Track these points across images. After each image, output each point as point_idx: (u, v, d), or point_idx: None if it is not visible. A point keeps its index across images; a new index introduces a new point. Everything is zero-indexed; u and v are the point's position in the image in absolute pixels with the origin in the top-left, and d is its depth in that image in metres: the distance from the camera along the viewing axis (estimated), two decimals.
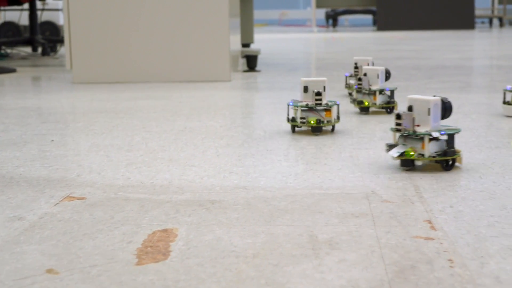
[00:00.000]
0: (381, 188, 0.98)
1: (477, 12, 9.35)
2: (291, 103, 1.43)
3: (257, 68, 3.14)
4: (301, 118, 1.41)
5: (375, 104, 1.66)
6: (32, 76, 3.07)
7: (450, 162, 1.08)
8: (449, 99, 1.14)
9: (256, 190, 0.98)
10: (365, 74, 1.67)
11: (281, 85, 2.47)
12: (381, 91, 1.67)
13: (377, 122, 1.57)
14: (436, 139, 1.07)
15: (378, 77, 1.66)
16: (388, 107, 1.69)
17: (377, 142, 1.34)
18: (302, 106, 1.41)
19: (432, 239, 0.76)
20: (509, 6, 9.48)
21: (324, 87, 1.43)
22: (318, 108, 1.41)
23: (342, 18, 10.46)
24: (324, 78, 1.46)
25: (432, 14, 7.95)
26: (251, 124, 1.57)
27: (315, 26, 8.65)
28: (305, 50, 4.70)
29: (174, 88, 2.36)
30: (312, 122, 1.40)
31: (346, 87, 2.03)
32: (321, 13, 9.76)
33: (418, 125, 1.09)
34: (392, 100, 1.68)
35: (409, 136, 1.09)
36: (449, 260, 0.69)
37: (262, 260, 0.70)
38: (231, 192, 0.98)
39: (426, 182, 1.02)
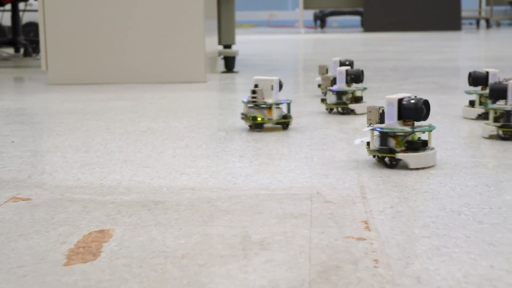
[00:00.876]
0: (327, 189, 0.99)
1: (465, 13, 9.38)
2: (244, 100, 1.46)
3: (236, 69, 3.15)
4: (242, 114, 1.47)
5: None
6: (11, 77, 3.06)
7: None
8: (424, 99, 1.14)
9: (203, 191, 0.99)
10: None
11: None
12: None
13: (339, 123, 1.58)
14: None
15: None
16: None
17: (336, 143, 1.34)
18: (247, 103, 1.46)
19: (364, 239, 0.76)
20: (496, 8, 9.51)
21: (272, 86, 1.45)
22: (262, 106, 1.45)
23: (331, 20, 10.48)
24: (275, 78, 1.47)
25: (419, 15, 7.97)
26: (215, 125, 1.57)
27: (302, 28, 8.65)
28: (288, 52, 4.70)
29: (148, 89, 2.36)
30: (251, 118, 1.44)
31: (319, 86, 2.05)
32: (310, 14, 9.77)
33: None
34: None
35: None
36: (375, 260, 0.70)
37: (189, 261, 0.70)
38: (177, 193, 0.98)
39: (374, 182, 1.02)
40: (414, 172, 1.09)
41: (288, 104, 1.50)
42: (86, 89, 2.40)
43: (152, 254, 0.73)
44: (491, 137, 1.35)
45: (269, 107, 1.46)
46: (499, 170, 1.09)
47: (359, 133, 1.44)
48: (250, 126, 1.47)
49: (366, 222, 0.83)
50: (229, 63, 3.02)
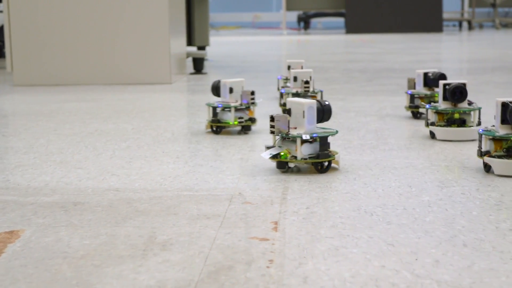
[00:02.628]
0: (251, 190, 0.99)
1: (448, 15, 9.41)
2: (219, 105, 1.43)
3: (207, 70, 3.15)
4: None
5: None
6: None
7: (326, 164, 1.09)
8: (328, 102, 1.14)
9: (126, 192, 0.99)
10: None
11: None
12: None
13: None
14: (308, 141, 1.08)
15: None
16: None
17: None
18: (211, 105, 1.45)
19: (267, 240, 0.77)
20: (478, 10, 9.54)
21: (243, 87, 1.45)
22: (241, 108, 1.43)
23: (315, 21, 10.49)
24: (241, 79, 1.47)
25: (401, 17, 7.99)
26: (164, 126, 1.57)
27: (285, 29, 8.66)
28: (264, 53, 4.71)
29: (111, 90, 2.36)
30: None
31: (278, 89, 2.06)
32: (294, 16, 9.78)
33: (294, 128, 1.10)
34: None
35: (285, 138, 1.10)
36: (270, 260, 0.70)
37: (86, 261, 0.71)
38: (100, 194, 0.98)
39: (299, 183, 1.03)
40: (343, 173, 1.10)
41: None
42: (49, 90, 2.40)
43: (52, 255, 0.73)
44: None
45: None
46: (427, 171, 1.10)
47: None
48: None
49: (276, 223, 0.83)
50: (198, 64, 3.02)
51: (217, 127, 1.45)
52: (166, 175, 1.09)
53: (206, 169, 1.14)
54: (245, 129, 1.46)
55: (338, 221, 0.84)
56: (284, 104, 1.74)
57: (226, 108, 1.43)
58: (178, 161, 1.20)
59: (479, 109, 1.36)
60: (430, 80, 1.60)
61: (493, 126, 1.10)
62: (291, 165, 1.11)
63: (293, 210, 0.89)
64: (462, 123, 1.35)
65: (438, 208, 0.89)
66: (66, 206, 0.92)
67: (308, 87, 1.70)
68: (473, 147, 1.25)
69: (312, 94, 1.70)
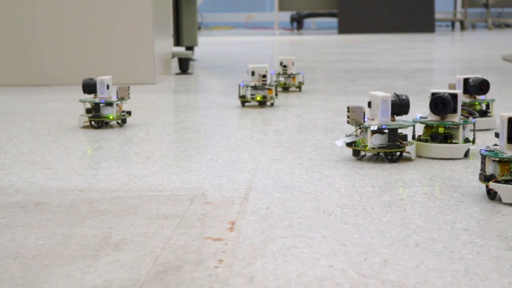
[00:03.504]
0: (214, 190, 1.00)
1: (441, 15, 9.43)
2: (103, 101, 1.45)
3: (193, 71, 3.15)
4: None
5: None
6: None
7: (397, 154, 1.17)
8: (406, 96, 1.20)
9: (90, 192, 0.99)
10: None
11: (202, 88, 2.48)
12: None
13: (264, 125, 1.59)
14: (379, 132, 1.16)
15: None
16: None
17: (252, 145, 1.35)
18: None
19: (221, 240, 0.77)
20: (470, 10, 9.56)
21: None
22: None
23: (309, 21, 10.49)
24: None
25: (393, 17, 8.00)
26: (139, 127, 1.57)
27: (277, 29, 8.66)
28: (254, 53, 4.71)
29: None
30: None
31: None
32: (287, 16, 9.78)
33: (372, 119, 1.19)
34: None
35: (360, 128, 1.18)
36: (219, 260, 0.71)
37: (37, 262, 0.71)
38: (64, 194, 0.98)
39: (264, 183, 1.03)
40: (309, 173, 1.10)
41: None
42: (32, 91, 2.40)
43: (4, 255, 0.73)
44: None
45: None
46: (393, 171, 1.10)
47: (273, 135, 1.45)
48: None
49: (233, 223, 0.84)
50: (183, 65, 3.03)
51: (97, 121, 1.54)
52: (133, 176, 1.10)
53: (174, 169, 1.14)
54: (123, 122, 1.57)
55: (296, 221, 0.84)
56: (243, 96, 1.84)
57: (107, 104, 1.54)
58: (148, 161, 1.21)
59: (473, 123, 1.21)
60: (471, 87, 1.46)
61: (496, 145, 0.95)
62: (362, 153, 1.18)
63: (252, 210, 0.89)
64: (446, 138, 1.20)
65: (397, 208, 0.89)
66: (27, 207, 0.92)
67: (265, 81, 1.82)
68: (453, 164, 1.25)
69: (269, 88, 1.84)
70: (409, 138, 1.22)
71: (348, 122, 1.18)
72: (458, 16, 9.24)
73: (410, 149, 1.17)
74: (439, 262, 0.70)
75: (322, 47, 5.28)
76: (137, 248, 0.75)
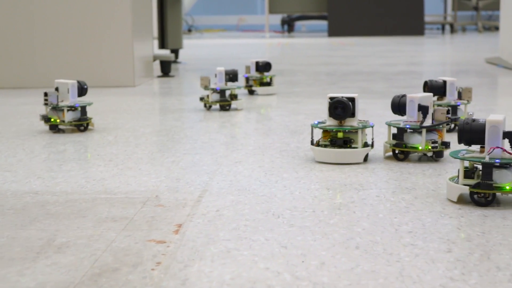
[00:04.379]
0: (169, 192, 1.00)
1: (431, 18, 9.45)
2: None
3: (175, 73, 3.15)
4: None
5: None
6: None
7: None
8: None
9: (45, 195, 0.99)
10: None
11: (179, 91, 2.49)
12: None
13: (231, 128, 1.59)
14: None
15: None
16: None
17: (217, 147, 1.35)
18: None
19: (164, 242, 0.78)
20: (461, 13, 9.58)
21: (68, 89, 1.54)
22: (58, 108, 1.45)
23: (300, 24, 10.51)
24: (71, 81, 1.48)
25: (383, 20, 8.02)
26: (109, 130, 1.57)
27: (268, 32, 8.67)
28: (240, 56, 4.71)
29: None
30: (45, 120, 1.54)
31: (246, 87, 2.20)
32: (278, 19, 9.79)
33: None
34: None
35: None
36: (158, 263, 0.71)
37: None
38: (18, 197, 0.99)
39: (220, 186, 1.04)
40: (267, 176, 1.10)
41: (83, 107, 1.54)
42: (8, 93, 2.40)
43: None
44: None
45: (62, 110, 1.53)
46: (351, 174, 1.11)
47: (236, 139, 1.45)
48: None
49: (180, 226, 0.84)
50: (165, 67, 3.03)
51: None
52: (91, 178, 1.10)
53: (134, 172, 1.14)
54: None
55: (242, 223, 0.85)
56: (202, 99, 1.86)
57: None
58: (110, 164, 1.21)
59: (370, 127, 1.21)
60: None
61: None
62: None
63: (202, 213, 0.90)
64: (346, 143, 1.19)
65: (346, 211, 0.90)
66: None
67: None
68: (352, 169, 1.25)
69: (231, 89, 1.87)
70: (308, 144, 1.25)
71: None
72: (449, 19, 9.27)
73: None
74: (375, 265, 0.70)
75: (309, 50, 5.28)
76: (78, 250, 0.75)
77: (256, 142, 1.40)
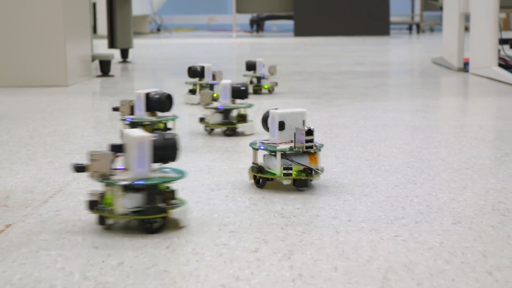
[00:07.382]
0: (24, 192, 1.00)
1: (399, 18, 9.50)
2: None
3: (116, 73, 3.15)
4: None
5: None
6: None
7: (157, 223, 0.82)
8: (174, 136, 0.86)
9: None
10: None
11: (110, 91, 2.48)
12: None
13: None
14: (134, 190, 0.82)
15: None
16: None
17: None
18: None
19: None
20: (429, 13, 9.64)
21: None
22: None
23: (270, 24, 10.53)
24: None
25: (349, 20, 8.05)
26: (7, 129, 1.57)
27: (235, 31, 8.69)
28: (197, 55, 4.71)
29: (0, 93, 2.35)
30: None
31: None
32: (247, 18, 9.80)
33: (126, 169, 0.84)
34: None
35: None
36: None
37: None
38: None
39: (78, 186, 1.04)
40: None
41: None
42: None
43: None
44: None
45: None
46: (235, 173, 1.11)
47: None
48: None
49: (7, 226, 0.84)
50: (104, 67, 3.02)
51: None
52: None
53: (5, 171, 1.14)
54: None
55: (71, 224, 0.85)
56: (203, 120, 1.50)
57: None
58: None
59: (173, 119, 1.29)
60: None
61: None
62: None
63: (40, 213, 0.90)
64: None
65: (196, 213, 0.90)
66: None
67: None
68: None
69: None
70: None
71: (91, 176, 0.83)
72: (416, 19, 9.32)
73: (179, 212, 0.83)
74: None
75: (265, 49, 5.30)
76: None
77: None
